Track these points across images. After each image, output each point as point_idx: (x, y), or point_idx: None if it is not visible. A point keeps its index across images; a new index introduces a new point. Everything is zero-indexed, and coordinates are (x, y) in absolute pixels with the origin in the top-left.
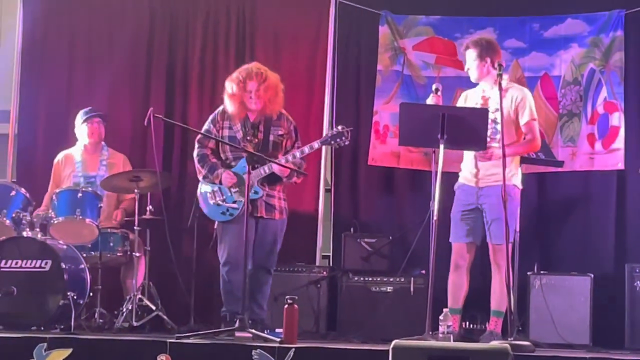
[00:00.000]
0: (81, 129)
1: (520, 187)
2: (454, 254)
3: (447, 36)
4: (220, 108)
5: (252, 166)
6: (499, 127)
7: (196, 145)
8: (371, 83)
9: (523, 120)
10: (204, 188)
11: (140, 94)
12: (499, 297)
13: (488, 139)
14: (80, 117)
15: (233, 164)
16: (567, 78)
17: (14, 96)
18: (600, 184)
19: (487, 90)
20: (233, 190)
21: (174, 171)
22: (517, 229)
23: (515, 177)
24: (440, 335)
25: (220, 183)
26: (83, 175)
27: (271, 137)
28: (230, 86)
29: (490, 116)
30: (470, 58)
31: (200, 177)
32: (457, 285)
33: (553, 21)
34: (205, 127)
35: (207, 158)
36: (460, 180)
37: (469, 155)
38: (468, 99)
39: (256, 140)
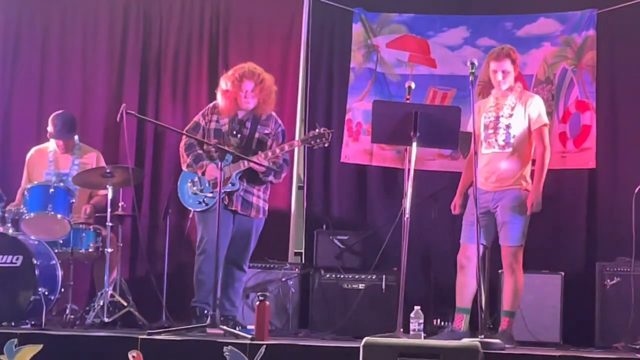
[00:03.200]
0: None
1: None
2: (460, 254)
3: (420, 34)
4: (212, 103)
5: (232, 159)
6: (512, 131)
7: (184, 136)
8: (344, 80)
9: (535, 126)
10: (184, 177)
11: (113, 90)
12: (511, 299)
13: (502, 144)
14: (49, 124)
15: (215, 155)
16: (539, 77)
17: None
18: (571, 182)
19: (499, 98)
20: (211, 181)
21: (147, 167)
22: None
23: (525, 180)
24: (412, 332)
25: (204, 174)
26: (55, 173)
27: (256, 135)
28: (225, 83)
29: (504, 122)
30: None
31: (184, 167)
32: (462, 285)
33: (526, 20)
34: (196, 119)
35: (193, 147)
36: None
37: (481, 160)
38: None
39: (240, 135)
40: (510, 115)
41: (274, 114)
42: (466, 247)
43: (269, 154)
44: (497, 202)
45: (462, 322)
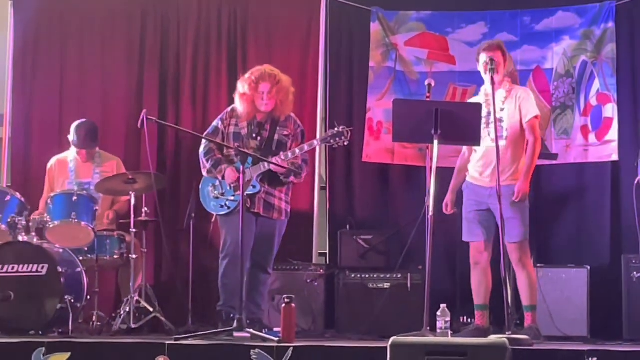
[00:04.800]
0: (73, 146)
1: None
2: (472, 252)
3: (438, 31)
4: (230, 107)
5: (252, 162)
6: (504, 124)
7: (203, 141)
8: (364, 80)
9: (527, 118)
10: (205, 182)
11: (133, 96)
12: (528, 293)
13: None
14: (71, 133)
15: (235, 159)
16: (559, 71)
17: (7, 100)
18: (594, 175)
19: (489, 93)
20: (232, 184)
21: (168, 173)
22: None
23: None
24: (439, 330)
25: (223, 178)
26: (77, 183)
27: (276, 137)
28: (242, 86)
29: (498, 115)
30: (501, 59)
31: (204, 172)
32: (478, 282)
33: (544, 14)
34: (214, 123)
35: (212, 152)
36: (468, 179)
37: (474, 156)
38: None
39: (260, 138)
40: (502, 110)
41: (292, 115)
42: (476, 245)
43: (289, 154)
44: (493, 198)
45: (483, 318)
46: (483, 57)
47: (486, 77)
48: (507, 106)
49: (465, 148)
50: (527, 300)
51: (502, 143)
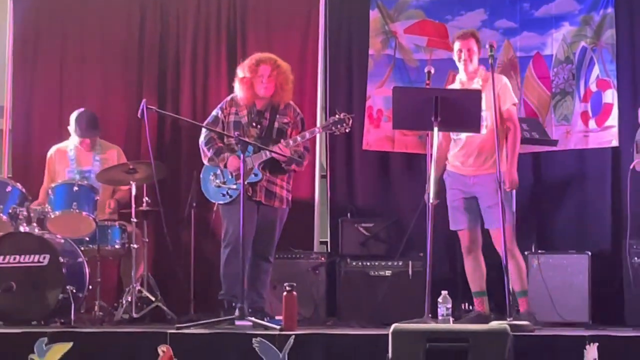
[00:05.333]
0: (73, 135)
1: None
2: (462, 240)
3: (438, 19)
4: (230, 96)
5: (253, 150)
6: (483, 114)
7: (203, 131)
8: (363, 68)
9: (505, 105)
10: (206, 171)
11: (132, 86)
12: (517, 278)
13: None
14: (72, 124)
15: (236, 148)
16: (559, 57)
17: (8, 92)
18: (595, 161)
19: (465, 82)
20: (234, 173)
21: (168, 162)
22: (514, 210)
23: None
24: (440, 317)
25: (225, 167)
26: (77, 170)
27: (276, 124)
28: (241, 71)
29: None
30: (475, 47)
31: (205, 161)
32: (472, 269)
33: (543, 0)
34: (214, 113)
35: (214, 141)
36: (450, 168)
37: (453, 145)
38: None
39: (260, 126)
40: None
41: (292, 103)
42: (465, 233)
43: (290, 142)
44: (476, 186)
45: (482, 304)
46: (456, 46)
47: (460, 65)
48: (484, 95)
49: (441, 137)
50: (518, 287)
51: (482, 131)
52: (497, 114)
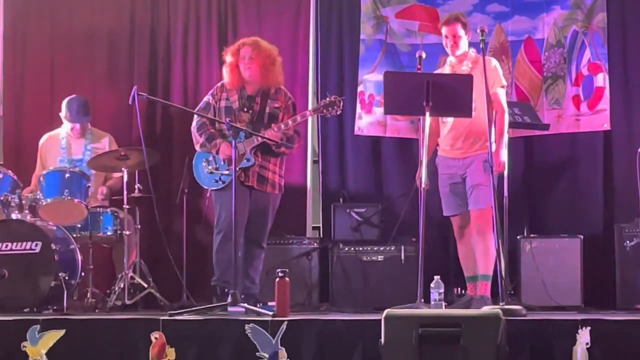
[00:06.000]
0: (65, 122)
1: None
2: (454, 226)
3: (429, 3)
4: (221, 82)
5: (245, 135)
6: (472, 96)
7: (195, 117)
8: (355, 53)
9: (493, 89)
10: (198, 157)
11: (124, 72)
12: (485, 261)
13: None
14: (63, 109)
15: (227, 133)
16: (550, 41)
17: None
18: (586, 145)
19: (455, 65)
20: (226, 159)
21: (160, 148)
22: (506, 194)
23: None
24: (432, 302)
25: (217, 153)
26: (68, 160)
27: (267, 109)
28: (227, 56)
29: None
30: (461, 32)
31: (197, 147)
32: (464, 254)
33: None
34: (205, 99)
35: (205, 127)
36: (441, 153)
37: (443, 130)
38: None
39: (252, 111)
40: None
41: (283, 87)
42: (454, 219)
43: (282, 126)
44: (465, 168)
45: (475, 289)
46: (443, 31)
47: (448, 50)
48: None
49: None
50: (482, 269)
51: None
52: (488, 96)
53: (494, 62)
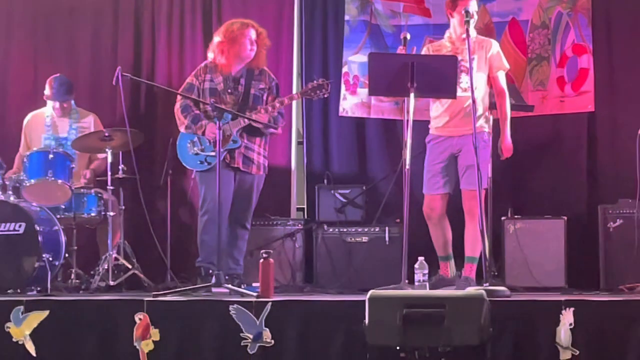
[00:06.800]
0: (48, 101)
1: (491, 132)
2: (429, 204)
3: None
4: (203, 63)
5: (232, 117)
6: (473, 75)
7: (178, 98)
8: (339, 34)
9: (495, 71)
10: (182, 138)
11: (107, 52)
12: (473, 243)
13: (465, 87)
14: (46, 88)
15: (212, 114)
16: (535, 22)
17: None
18: (571, 126)
19: (456, 42)
20: (212, 140)
21: (144, 129)
22: (490, 175)
23: (487, 123)
24: (417, 283)
25: (203, 134)
26: (53, 137)
27: (252, 90)
28: (225, 34)
29: (465, 66)
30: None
31: (182, 129)
32: (436, 235)
33: None
34: (189, 80)
35: (190, 109)
36: (433, 132)
37: (438, 107)
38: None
39: (236, 92)
40: (471, 60)
41: (266, 68)
42: (429, 198)
43: (269, 109)
44: (461, 147)
45: (447, 269)
46: (461, 8)
47: (460, 29)
48: (475, 57)
49: None
50: (469, 251)
51: (468, 93)
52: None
53: (496, 44)
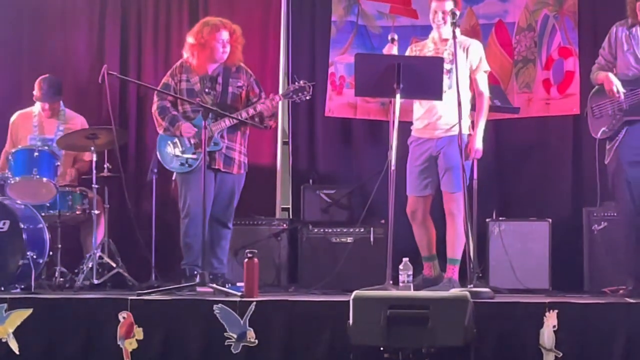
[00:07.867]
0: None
1: (472, 134)
2: (412, 206)
3: None
4: (179, 62)
5: (214, 119)
6: (454, 77)
7: (155, 99)
8: (326, 34)
9: (478, 73)
10: (162, 140)
11: (94, 51)
12: (455, 245)
13: (446, 89)
14: (35, 89)
15: (192, 116)
16: (521, 24)
17: None
18: (556, 129)
19: (438, 43)
20: (192, 141)
21: (131, 128)
22: (475, 177)
23: (468, 125)
24: (401, 284)
25: (181, 135)
26: (40, 138)
27: (230, 89)
28: (193, 38)
29: (446, 67)
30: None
31: (160, 130)
32: (419, 235)
33: None
34: (164, 80)
35: (167, 110)
36: (414, 134)
37: (419, 109)
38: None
39: (214, 92)
40: (451, 61)
41: (242, 64)
42: (412, 199)
43: (250, 110)
44: (440, 149)
45: (431, 269)
46: (433, 6)
47: (434, 26)
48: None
49: None
50: (450, 253)
51: (452, 94)
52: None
53: (478, 44)
